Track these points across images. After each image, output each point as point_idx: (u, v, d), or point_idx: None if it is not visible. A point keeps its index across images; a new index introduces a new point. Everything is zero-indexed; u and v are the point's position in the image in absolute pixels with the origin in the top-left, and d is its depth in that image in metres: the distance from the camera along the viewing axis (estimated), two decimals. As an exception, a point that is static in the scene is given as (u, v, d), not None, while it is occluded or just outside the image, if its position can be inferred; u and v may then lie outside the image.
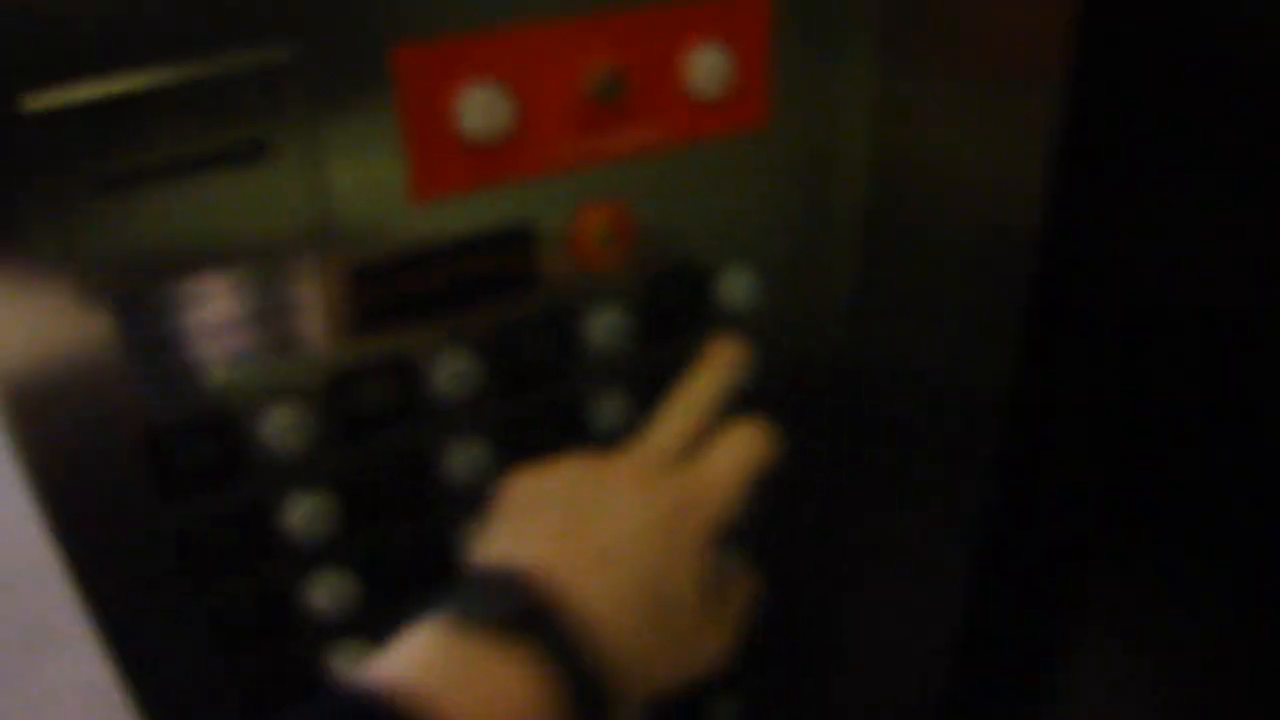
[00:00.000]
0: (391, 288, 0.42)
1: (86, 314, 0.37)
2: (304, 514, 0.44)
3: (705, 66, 0.43)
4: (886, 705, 0.69)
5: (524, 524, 0.40)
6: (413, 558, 0.48)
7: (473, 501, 0.48)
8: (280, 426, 0.42)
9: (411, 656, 0.34)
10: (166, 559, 0.43)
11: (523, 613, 0.35)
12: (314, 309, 0.41)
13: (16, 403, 0.37)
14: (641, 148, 0.44)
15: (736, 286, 0.50)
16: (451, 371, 0.44)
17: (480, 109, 0.40)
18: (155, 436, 0.40)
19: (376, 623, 0.49)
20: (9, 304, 0.36)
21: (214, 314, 0.39)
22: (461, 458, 0.47)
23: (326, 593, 0.46)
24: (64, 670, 1.72)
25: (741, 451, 0.43)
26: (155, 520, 0.42)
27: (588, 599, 0.36)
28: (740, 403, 0.48)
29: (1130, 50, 0.46)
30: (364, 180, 0.39)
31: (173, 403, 0.40)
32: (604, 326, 0.47)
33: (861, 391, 0.57)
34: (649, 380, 0.50)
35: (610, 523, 0.39)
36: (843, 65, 0.47)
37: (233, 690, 0.47)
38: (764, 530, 0.55)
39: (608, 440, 0.50)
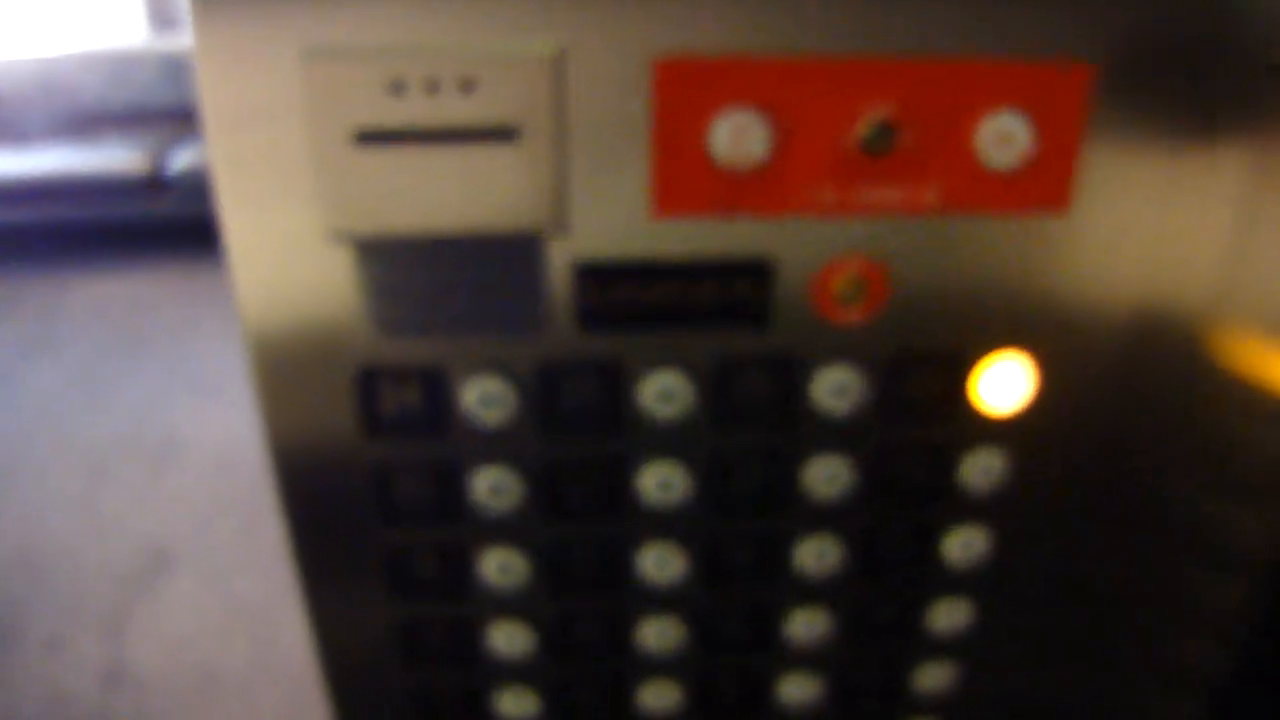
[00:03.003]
0: (614, 292, 0.42)
1: (332, 250, 0.40)
2: (490, 486, 0.45)
3: (998, 133, 0.39)
4: None
5: None
6: (588, 558, 0.48)
7: (659, 523, 0.47)
8: (483, 396, 0.43)
9: None
10: (363, 493, 0.46)
11: None
12: (538, 295, 0.42)
13: (256, 326, 0.41)
14: (910, 208, 0.41)
15: (996, 378, 0.45)
16: (660, 389, 0.43)
17: (734, 135, 0.38)
18: (368, 375, 0.42)
19: (540, 607, 0.50)
20: (267, 233, 0.39)
21: (443, 275, 0.41)
22: (656, 477, 0.46)
23: (498, 566, 0.47)
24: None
25: None
26: (357, 454, 0.45)
27: None
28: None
29: None
30: (609, 185, 0.40)
31: (391, 349, 0.42)
32: (832, 384, 0.44)
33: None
34: (876, 457, 0.47)
35: None
36: (1175, 156, 0.41)
37: (398, 639, 0.50)
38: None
39: (814, 502, 0.48)
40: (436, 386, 0.43)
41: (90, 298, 3.50)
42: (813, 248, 0.41)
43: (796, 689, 0.55)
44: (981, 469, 0.48)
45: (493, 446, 0.45)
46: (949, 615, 0.53)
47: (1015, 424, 0.47)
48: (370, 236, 0.40)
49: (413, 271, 0.41)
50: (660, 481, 0.46)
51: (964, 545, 0.51)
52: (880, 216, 0.41)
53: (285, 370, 0.42)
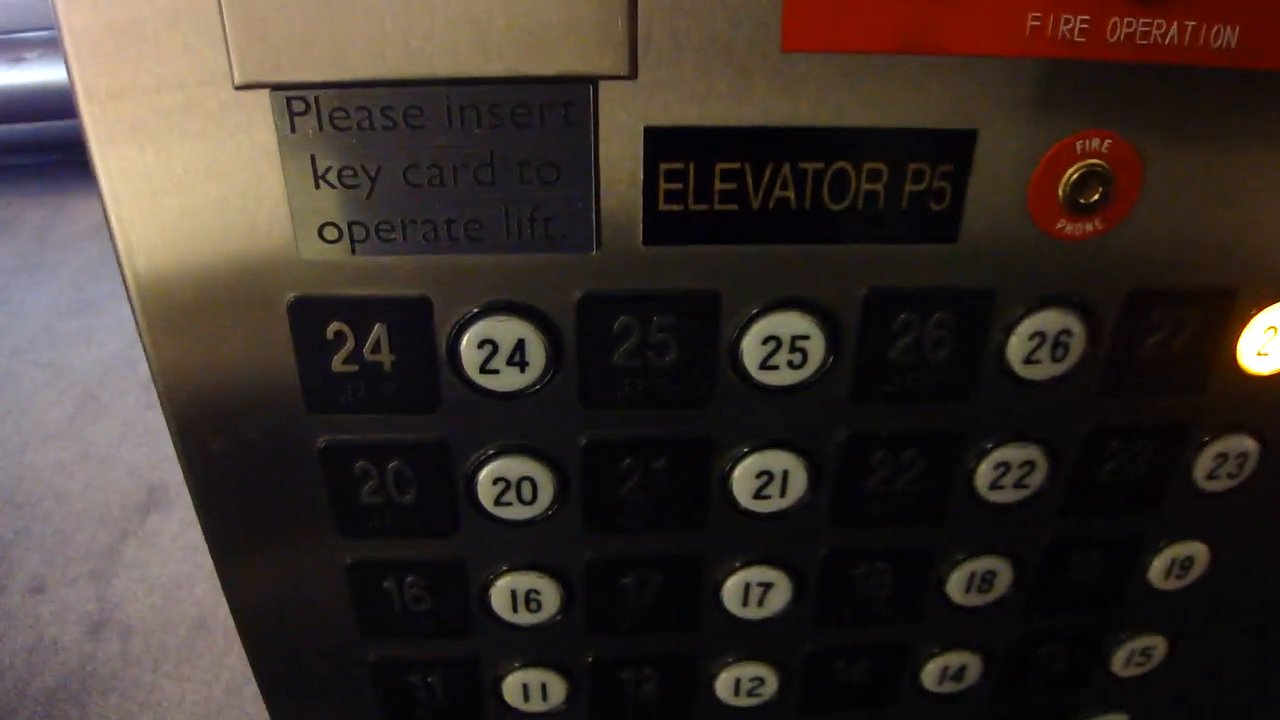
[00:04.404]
0: (708, 177, 0.25)
1: (238, 107, 0.24)
2: (499, 485, 0.29)
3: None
4: None
5: None
6: (643, 592, 0.32)
7: (756, 543, 0.32)
8: (489, 347, 0.27)
9: None
10: (310, 488, 0.30)
11: None
12: (583, 183, 0.25)
13: (134, 251, 0.25)
14: (1192, 55, 0.24)
15: (1263, 331, 0.29)
16: (774, 338, 0.27)
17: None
18: (307, 313, 0.26)
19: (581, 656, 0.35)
20: (145, 97, 0.23)
21: (424, 152, 0.25)
22: (755, 471, 0.30)
23: (508, 601, 0.32)
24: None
25: None
26: (302, 432, 0.29)
27: None
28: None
29: None
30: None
31: (344, 276, 0.26)
32: (1041, 334, 0.28)
33: None
34: (1085, 440, 0.31)
35: None
36: None
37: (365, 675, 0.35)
38: None
39: (986, 505, 0.32)
40: (417, 333, 0.27)
41: (87, 218, 3.34)
42: (1037, 116, 0.25)
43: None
44: (1227, 456, 0.32)
45: (502, 427, 0.29)
46: (1136, 659, 0.38)
47: (1271, 397, 0.32)
48: (304, 86, 0.23)
49: (374, 147, 0.24)
50: (761, 473, 0.30)
51: (1176, 566, 0.35)
52: (1140, 67, 0.25)
53: (186, 313, 0.26)
